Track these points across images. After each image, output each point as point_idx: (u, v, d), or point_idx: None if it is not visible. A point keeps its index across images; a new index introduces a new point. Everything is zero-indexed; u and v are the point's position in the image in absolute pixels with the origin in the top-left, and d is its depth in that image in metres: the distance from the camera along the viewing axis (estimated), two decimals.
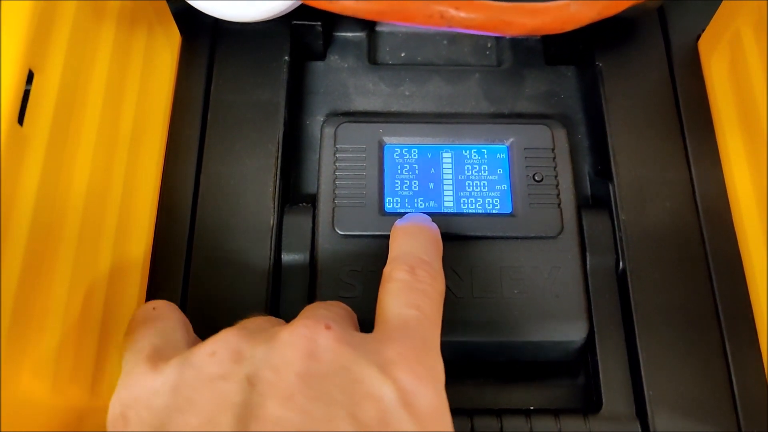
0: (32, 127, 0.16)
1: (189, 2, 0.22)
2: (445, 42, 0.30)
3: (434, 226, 0.22)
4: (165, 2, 0.25)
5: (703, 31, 0.27)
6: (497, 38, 0.30)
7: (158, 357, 0.16)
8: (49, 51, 0.17)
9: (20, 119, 0.15)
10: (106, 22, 0.20)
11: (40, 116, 0.16)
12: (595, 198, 0.26)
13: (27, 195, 0.15)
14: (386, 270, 0.19)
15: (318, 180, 0.24)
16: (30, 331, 0.15)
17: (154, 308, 0.19)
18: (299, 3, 0.21)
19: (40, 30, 0.16)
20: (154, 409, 0.15)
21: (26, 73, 0.15)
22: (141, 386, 0.15)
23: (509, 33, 0.16)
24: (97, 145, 0.19)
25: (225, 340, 0.16)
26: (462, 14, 0.14)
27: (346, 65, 0.28)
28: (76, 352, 0.17)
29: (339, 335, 0.16)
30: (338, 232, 0.23)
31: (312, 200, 0.25)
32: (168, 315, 0.19)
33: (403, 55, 0.29)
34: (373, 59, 0.29)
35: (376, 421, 0.14)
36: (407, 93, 0.28)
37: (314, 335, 0.15)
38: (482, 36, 0.30)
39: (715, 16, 0.26)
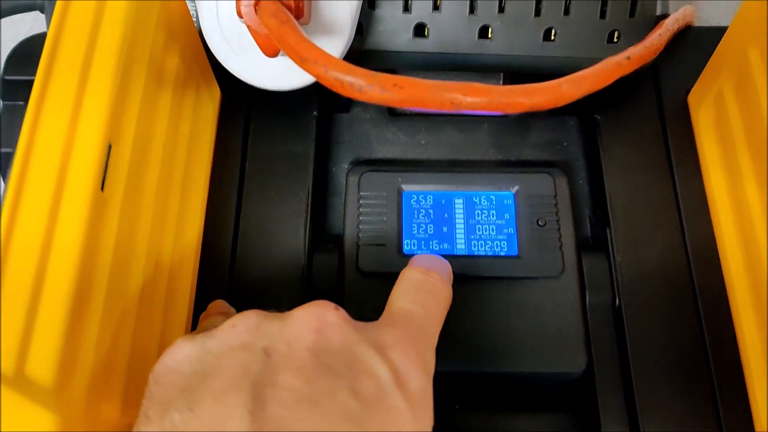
0: (111, 191, 0.19)
1: (234, 74, 0.26)
2: None
3: (447, 263, 0.24)
4: (209, 64, 0.28)
5: (692, 86, 0.30)
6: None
7: (192, 335, 0.18)
8: (123, 124, 0.20)
9: (102, 185, 0.18)
10: (165, 89, 0.23)
11: (116, 181, 0.19)
12: (594, 239, 0.28)
13: (107, 250, 0.18)
14: (403, 272, 0.21)
15: (344, 223, 0.27)
16: (108, 371, 0.18)
17: None
18: None
19: (117, 108, 0.19)
20: (182, 374, 0.17)
21: (107, 147, 0.18)
22: (172, 356, 0.18)
23: (511, 111, 0.18)
24: (156, 196, 0.22)
25: (245, 316, 0.18)
26: (468, 99, 0.17)
27: (368, 116, 0.31)
28: (136, 383, 0.20)
29: (345, 316, 0.18)
30: (362, 270, 0.26)
31: (338, 240, 0.27)
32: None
33: None
34: (392, 110, 0.32)
35: (372, 395, 0.16)
36: (423, 142, 0.31)
37: (324, 313, 0.18)
38: (488, 72, 0.32)
39: (701, 76, 0.29)
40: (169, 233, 0.23)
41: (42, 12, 0.28)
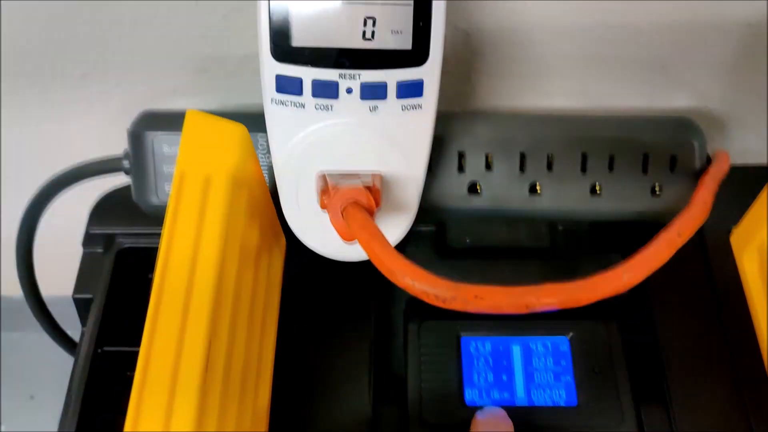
0: (212, 378, 0.21)
1: (309, 247, 0.28)
2: (504, 227, 0.34)
3: (509, 421, 0.25)
4: (278, 220, 0.30)
5: (733, 224, 0.31)
6: (550, 224, 0.34)
7: None
8: (220, 318, 0.22)
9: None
10: (248, 266, 0.26)
11: (216, 369, 0.21)
12: (649, 385, 0.29)
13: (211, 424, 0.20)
14: None
15: (406, 374, 0.28)
16: None
17: None
18: None
19: (216, 306, 0.21)
20: None
21: (208, 347, 0.20)
22: None
23: (581, 305, 0.20)
24: (243, 365, 0.24)
25: None
26: (543, 301, 0.19)
27: (420, 257, 0.33)
28: None
29: None
30: (426, 421, 0.27)
31: (400, 385, 0.29)
32: None
33: (468, 240, 0.34)
34: (442, 248, 0.34)
35: None
36: (476, 282, 0.32)
37: None
38: (537, 221, 0.34)
39: (743, 220, 0.30)
40: (249, 399, 0.25)
41: (127, 174, 0.31)
